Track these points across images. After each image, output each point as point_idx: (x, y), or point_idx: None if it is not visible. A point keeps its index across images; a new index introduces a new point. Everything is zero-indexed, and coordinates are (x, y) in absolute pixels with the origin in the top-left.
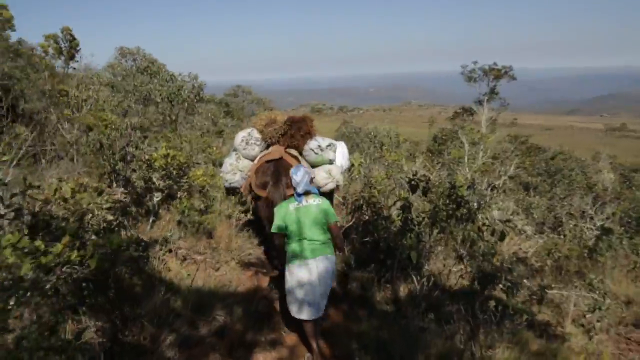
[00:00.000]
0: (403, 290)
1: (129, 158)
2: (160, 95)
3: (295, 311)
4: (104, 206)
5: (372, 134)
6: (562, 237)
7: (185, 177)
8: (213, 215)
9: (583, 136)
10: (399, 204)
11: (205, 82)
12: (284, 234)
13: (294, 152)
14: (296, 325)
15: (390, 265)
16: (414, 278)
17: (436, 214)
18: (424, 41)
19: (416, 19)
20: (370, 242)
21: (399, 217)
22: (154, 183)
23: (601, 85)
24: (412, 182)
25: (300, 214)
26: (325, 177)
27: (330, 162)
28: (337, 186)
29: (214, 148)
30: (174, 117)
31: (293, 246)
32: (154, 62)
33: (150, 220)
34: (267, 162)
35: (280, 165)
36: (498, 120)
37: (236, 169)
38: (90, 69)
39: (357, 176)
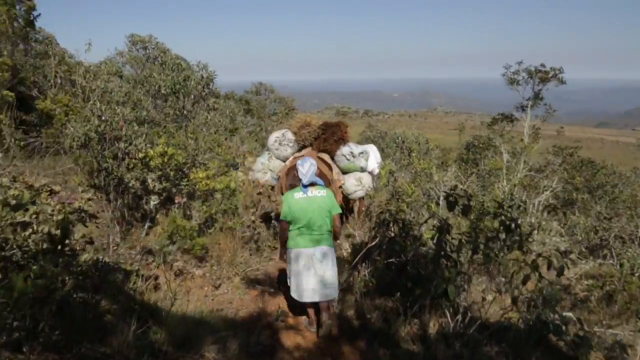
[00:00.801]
0: (433, 326)
1: (120, 155)
2: (165, 85)
3: (296, 296)
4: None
5: (399, 139)
6: (614, 264)
7: (186, 179)
8: (213, 232)
9: (614, 150)
10: (432, 221)
11: (216, 72)
12: (288, 223)
13: (325, 156)
14: None
15: (420, 295)
16: (447, 312)
17: (477, 238)
18: (451, 47)
19: (444, 25)
20: (396, 264)
21: (432, 238)
22: (149, 185)
23: (633, 98)
24: (450, 198)
25: (305, 204)
26: (355, 184)
27: (362, 169)
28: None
29: (224, 147)
30: (184, 112)
31: (296, 234)
32: (166, 51)
33: (146, 226)
34: (293, 163)
35: None
36: (541, 130)
37: (267, 168)
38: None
39: (383, 186)
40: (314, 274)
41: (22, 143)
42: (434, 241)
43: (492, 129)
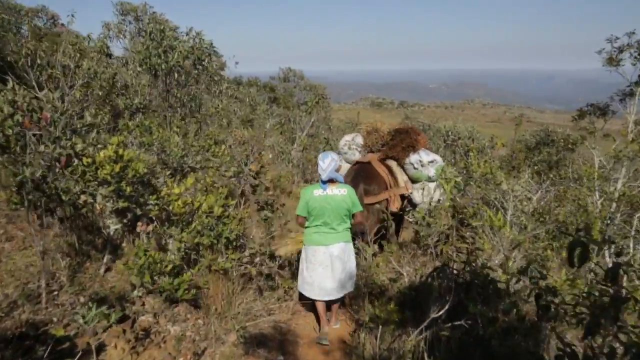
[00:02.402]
0: None
1: (47, 161)
2: (143, 60)
3: (307, 290)
4: None
5: (449, 133)
6: None
7: (154, 197)
8: (198, 271)
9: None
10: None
11: (213, 42)
12: (304, 218)
13: (391, 162)
14: None
15: None
16: None
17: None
18: (487, 38)
19: (480, 15)
20: (467, 330)
21: (528, 294)
22: (98, 203)
23: None
24: (575, 249)
25: (324, 201)
26: (420, 195)
27: (429, 179)
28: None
29: (223, 148)
30: (181, 97)
31: (312, 231)
32: (163, 22)
33: (105, 259)
34: (355, 165)
35: (363, 169)
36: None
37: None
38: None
39: (445, 204)
40: (331, 273)
41: None
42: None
43: (578, 124)
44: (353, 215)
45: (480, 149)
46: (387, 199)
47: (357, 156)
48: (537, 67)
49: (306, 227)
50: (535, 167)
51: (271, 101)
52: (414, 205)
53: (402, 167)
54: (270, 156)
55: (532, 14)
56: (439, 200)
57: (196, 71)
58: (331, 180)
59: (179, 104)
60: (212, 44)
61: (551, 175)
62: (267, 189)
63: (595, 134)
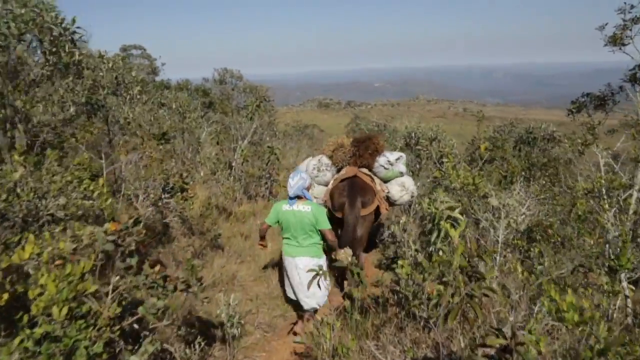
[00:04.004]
0: None
1: None
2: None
3: (290, 293)
4: None
5: (413, 135)
6: None
7: None
8: None
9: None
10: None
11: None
12: (268, 226)
13: (365, 171)
14: None
15: None
16: None
17: None
18: (430, 35)
19: (421, 13)
20: None
21: None
22: None
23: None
24: None
25: (290, 216)
26: (399, 190)
27: (401, 174)
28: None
29: (101, 181)
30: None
31: (284, 242)
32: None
33: None
34: (342, 181)
35: (355, 183)
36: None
37: (312, 196)
38: None
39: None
40: (295, 282)
41: None
42: None
43: (575, 119)
44: (322, 233)
45: (446, 153)
46: (377, 206)
47: (328, 176)
48: (479, 63)
49: (283, 238)
50: (525, 173)
51: (206, 106)
52: (392, 203)
53: (372, 172)
54: (202, 174)
55: (474, 10)
56: (414, 190)
57: (48, 63)
58: (299, 197)
59: (21, 118)
60: (74, 21)
61: (551, 185)
62: (190, 225)
63: (596, 130)
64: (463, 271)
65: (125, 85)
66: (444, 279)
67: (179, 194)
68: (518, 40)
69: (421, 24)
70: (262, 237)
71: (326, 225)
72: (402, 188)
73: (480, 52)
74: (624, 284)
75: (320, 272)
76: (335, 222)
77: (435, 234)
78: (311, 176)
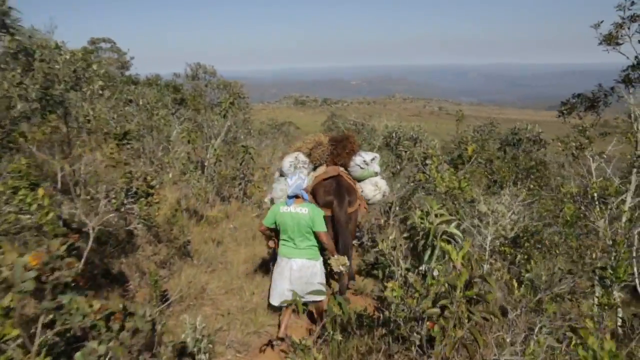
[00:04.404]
0: None
1: None
2: None
3: (274, 300)
4: None
5: (394, 134)
6: None
7: None
8: None
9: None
10: None
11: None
12: (272, 229)
13: (342, 169)
14: None
15: None
16: None
17: None
18: (406, 35)
19: (398, 12)
20: None
21: None
22: None
23: (579, 82)
24: None
25: (288, 218)
26: (372, 189)
27: (376, 174)
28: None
29: (40, 192)
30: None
31: (280, 243)
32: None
33: None
34: (325, 180)
35: (340, 182)
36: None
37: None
38: None
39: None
40: (287, 282)
41: None
42: None
43: (567, 120)
44: (317, 235)
45: (430, 155)
46: (359, 204)
47: (304, 173)
48: (453, 62)
49: (279, 239)
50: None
51: (177, 103)
52: (367, 201)
53: (348, 171)
54: (171, 175)
55: (449, 11)
56: (387, 190)
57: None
58: (296, 197)
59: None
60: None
61: (539, 189)
62: (156, 232)
63: (588, 132)
64: (469, 301)
65: (86, 80)
66: (440, 303)
67: (143, 199)
68: (492, 42)
69: (398, 23)
70: (269, 238)
71: (322, 228)
72: (375, 187)
73: (455, 53)
74: (616, 294)
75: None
76: None
77: (428, 253)
78: (287, 174)
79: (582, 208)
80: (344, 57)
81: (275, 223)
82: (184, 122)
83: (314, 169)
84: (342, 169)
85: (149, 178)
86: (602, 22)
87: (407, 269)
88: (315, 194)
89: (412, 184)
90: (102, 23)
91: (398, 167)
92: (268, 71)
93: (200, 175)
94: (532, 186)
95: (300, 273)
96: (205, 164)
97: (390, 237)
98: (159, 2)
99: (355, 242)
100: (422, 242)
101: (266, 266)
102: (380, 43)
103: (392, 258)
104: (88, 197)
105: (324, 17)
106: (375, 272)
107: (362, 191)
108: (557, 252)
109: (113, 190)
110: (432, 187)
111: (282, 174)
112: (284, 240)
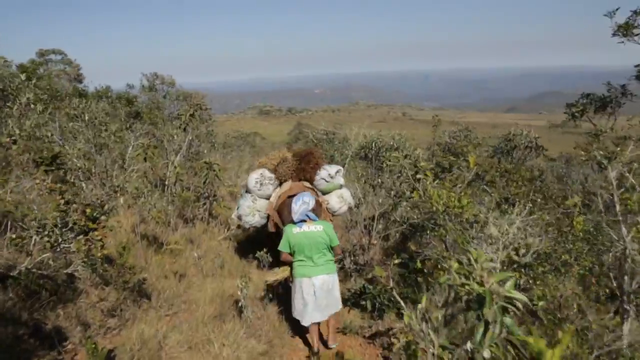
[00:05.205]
0: None
1: None
2: None
3: (299, 318)
4: None
5: (374, 144)
6: None
7: None
8: None
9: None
10: None
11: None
12: (288, 253)
13: (307, 184)
14: None
15: None
16: None
17: None
18: (368, 41)
19: (359, 19)
20: None
21: None
22: None
23: (537, 84)
24: None
25: (302, 238)
26: (338, 201)
27: (341, 186)
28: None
29: None
30: None
31: (296, 264)
32: None
33: None
34: (290, 197)
35: None
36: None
37: (254, 210)
38: None
39: None
40: (313, 302)
41: None
42: None
43: (566, 127)
44: (335, 250)
45: (423, 168)
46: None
47: (270, 190)
48: (414, 68)
49: (293, 261)
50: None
51: (132, 117)
52: (332, 214)
53: (313, 185)
54: (122, 201)
55: (408, 17)
56: (352, 201)
57: None
58: (304, 220)
59: None
60: None
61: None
62: (103, 272)
63: (601, 137)
64: None
65: (12, 92)
66: None
67: (82, 236)
68: (451, 46)
69: (358, 30)
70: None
71: (337, 242)
72: (340, 199)
73: (415, 58)
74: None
75: None
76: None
77: (481, 331)
78: (253, 190)
79: (605, 226)
80: (306, 66)
81: (290, 246)
82: (139, 137)
83: (280, 184)
84: (307, 183)
85: (88, 210)
86: (617, 9)
87: (444, 348)
88: (281, 212)
89: (394, 199)
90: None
91: (379, 180)
92: (230, 82)
93: (160, 195)
94: (538, 200)
95: (322, 288)
96: (166, 182)
97: (420, 306)
98: (114, 12)
99: None
100: (470, 313)
101: (236, 305)
102: (341, 51)
103: (421, 335)
104: (13, 236)
105: (285, 27)
106: (362, 302)
107: (328, 204)
108: (570, 272)
109: (45, 227)
110: (426, 205)
111: (247, 190)
112: (300, 261)
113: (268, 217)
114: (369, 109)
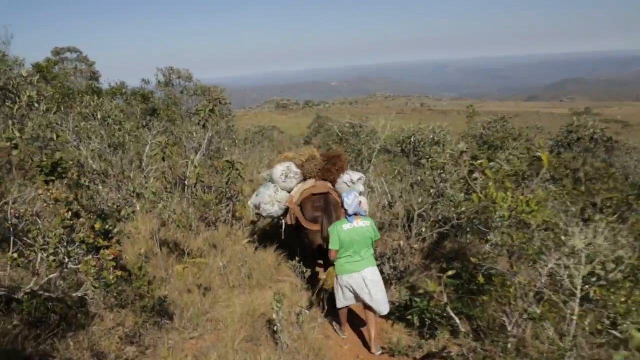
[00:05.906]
0: None
1: None
2: None
3: (345, 303)
4: None
5: (411, 139)
6: None
7: None
8: None
9: (552, 121)
10: None
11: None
12: (336, 251)
13: (329, 185)
14: None
15: None
16: None
17: None
18: (383, 33)
19: (376, 11)
20: None
21: None
22: None
23: (556, 72)
24: None
25: (353, 234)
26: None
27: (360, 194)
28: None
29: None
30: None
31: (343, 261)
32: None
33: None
34: (314, 195)
35: (329, 200)
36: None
37: (274, 200)
38: None
39: None
40: (368, 295)
41: None
42: None
43: (580, 116)
44: (376, 243)
45: (481, 167)
46: None
47: (294, 184)
48: (430, 58)
49: (338, 259)
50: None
51: (148, 114)
52: None
53: (334, 188)
54: (138, 208)
55: (423, 7)
56: (367, 209)
57: None
58: (356, 214)
59: None
60: None
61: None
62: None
63: None
64: None
65: (12, 90)
66: None
67: (90, 255)
68: (468, 36)
69: (373, 22)
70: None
71: (379, 236)
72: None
73: (432, 49)
74: None
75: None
76: (302, 230)
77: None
78: (277, 181)
79: None
80: (322, 59)
81: (339, 243)
82: (156, 136)
83: (304, 180)
84: (329, 185)
85: (97, 226)
86: None
87: None
88: (303, 207)
89: (434, 198)
90: (68, 33)
91: (420, 178)
92: (246, 77)
93: (180, 197)
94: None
95: (372, 280)
96: (186, 183)
97: None
98: (129, 9)
99: None
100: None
101: (269, 325)
102: (357, 43)
103: None
104: (14, 255)
105: (300, 21)
106: (409, 317)
107: (361, 201)
108: None
109: (49, 244)
110: (489, 211)
111: (272, 181)
112: (348, 257)
113: (286, 210)
114: (386, 100)
